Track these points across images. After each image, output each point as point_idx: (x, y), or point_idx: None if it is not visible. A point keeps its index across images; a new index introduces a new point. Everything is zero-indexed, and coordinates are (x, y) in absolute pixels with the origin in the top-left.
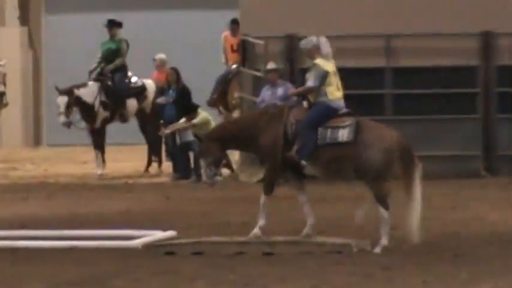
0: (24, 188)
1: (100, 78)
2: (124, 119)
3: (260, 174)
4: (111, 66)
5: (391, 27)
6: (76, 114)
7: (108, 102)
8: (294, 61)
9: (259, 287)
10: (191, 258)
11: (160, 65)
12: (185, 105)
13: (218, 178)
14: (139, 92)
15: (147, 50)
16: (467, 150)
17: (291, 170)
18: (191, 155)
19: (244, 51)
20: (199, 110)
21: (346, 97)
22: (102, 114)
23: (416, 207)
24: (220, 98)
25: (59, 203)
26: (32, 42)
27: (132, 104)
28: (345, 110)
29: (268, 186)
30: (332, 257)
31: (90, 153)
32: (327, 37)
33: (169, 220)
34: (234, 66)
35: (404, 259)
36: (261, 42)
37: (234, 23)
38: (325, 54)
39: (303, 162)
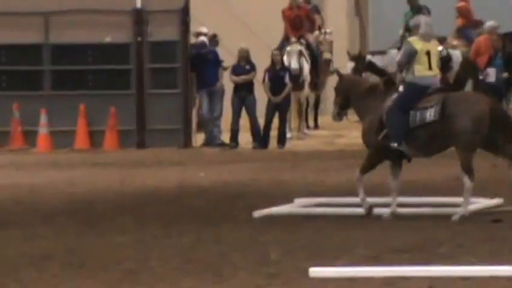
0: (350, 155)
1: (400, 46)
2: None
3: None
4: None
5: (48, 5)
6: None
7: None
8: None
9: None
10: None
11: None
12: None
13: None
14: (444, 62)
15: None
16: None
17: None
18: None
19: None
20: None
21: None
22: None
23: None
24: None
25: (387, 171)
26: (359, 11)
27: None
28: None
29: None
30: None
31: None
32: None
33: (496, 188)
34: None
35: None
36: None
37: None
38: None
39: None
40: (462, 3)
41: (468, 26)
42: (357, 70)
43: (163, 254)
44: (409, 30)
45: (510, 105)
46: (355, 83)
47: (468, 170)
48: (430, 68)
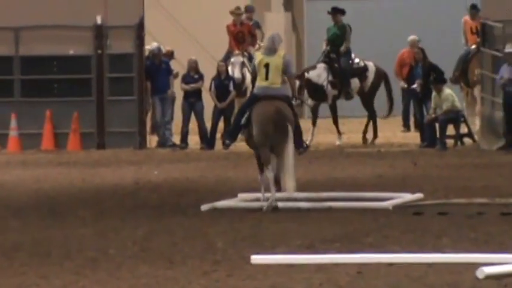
0: None
1: (327, 61)
2: (349, 96)
3: (500, 142)
4: (343, 48)
5: (18, 21)
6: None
7: (336, 81)
8: None
9: (497, 244)
10: (437, 217)
11: (413, 44)
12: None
13: None
14: (362, 72)
15: (400, 32)
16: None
17: None
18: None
19: (485, 33)
20: (444, 87)
21: None
22: (332, 92)
23: None
24: (461, 75)
25: (318, 168)
26: (295, 26)
27: (355, 83)
28: None
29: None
30: None
31: (346, 125)
32: None
33: (417, 184)
34: (473, 46)
35: None
36: (500, 25)
37: (473, 8)
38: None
39: None
40: None
41: None
42: (300, 88)
43: (121, 244)
44: (332, 43)
45: (430, 110)
46: None
47: (265, 163)
48: (266, 78)
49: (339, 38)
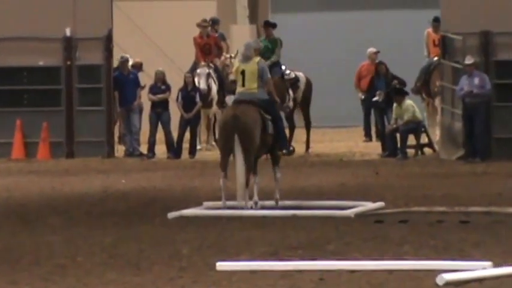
0: None
1: None
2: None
3: (460, 152)
4: (268, 62)
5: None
6: None
7: None
8: (489, 55)
9: (456, 251)
10: (397, 225)
11: (370, 56)
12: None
13: None
14: (293, 83)
15: (363, 45)
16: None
17: None
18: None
19: (445, 45)
20: (405, 98)
21: None
22: None
23: None
24: (423, 86)
25: (283, 177)
26: (260, 37)
27: (288, 94)
28: None
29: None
30: None
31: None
32: None
33: (378, 192)
34: (435, 58)
35: None
36: (460, 37)
37: (436, 21)
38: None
39: None
40: None
41: None
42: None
43: (89, 251)
44: (263, 56)
45: (391, 121)
46: None
47: (221, 168)
48: (243, 85)
49: (269, 51)
